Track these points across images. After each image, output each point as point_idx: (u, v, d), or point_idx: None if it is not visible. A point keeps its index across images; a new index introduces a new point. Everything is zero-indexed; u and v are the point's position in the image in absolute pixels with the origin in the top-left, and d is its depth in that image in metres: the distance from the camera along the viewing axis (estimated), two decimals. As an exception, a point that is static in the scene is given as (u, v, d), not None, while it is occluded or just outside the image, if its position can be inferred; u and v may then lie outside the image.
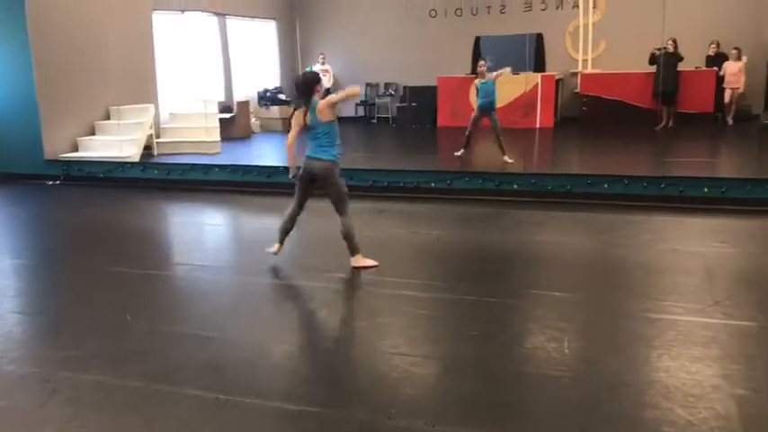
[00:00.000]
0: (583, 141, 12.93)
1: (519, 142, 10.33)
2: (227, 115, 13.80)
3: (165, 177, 9.87)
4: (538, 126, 13.91)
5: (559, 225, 7.21)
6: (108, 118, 11.53)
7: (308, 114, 5.39)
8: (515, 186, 8.20)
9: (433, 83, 14.91)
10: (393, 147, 13.33)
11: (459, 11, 15.86)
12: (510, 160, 9.67)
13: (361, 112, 16.76)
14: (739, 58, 13.06)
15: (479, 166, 9.57)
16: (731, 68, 13.06)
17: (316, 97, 5.37)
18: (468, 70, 15.57)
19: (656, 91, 13.23)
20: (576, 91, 14.39)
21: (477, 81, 9.97)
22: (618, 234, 6.57)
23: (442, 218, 7.57)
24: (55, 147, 10.66)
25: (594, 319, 4.52)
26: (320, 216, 8.01)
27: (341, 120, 5.75)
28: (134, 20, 12.04)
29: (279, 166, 9.63)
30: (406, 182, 8.57)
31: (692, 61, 13.24)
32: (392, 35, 15.54)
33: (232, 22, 15.13)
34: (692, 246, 6.10)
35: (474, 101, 10.52)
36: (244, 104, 14.65)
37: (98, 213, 8.45)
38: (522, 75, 13.81)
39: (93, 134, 11.31)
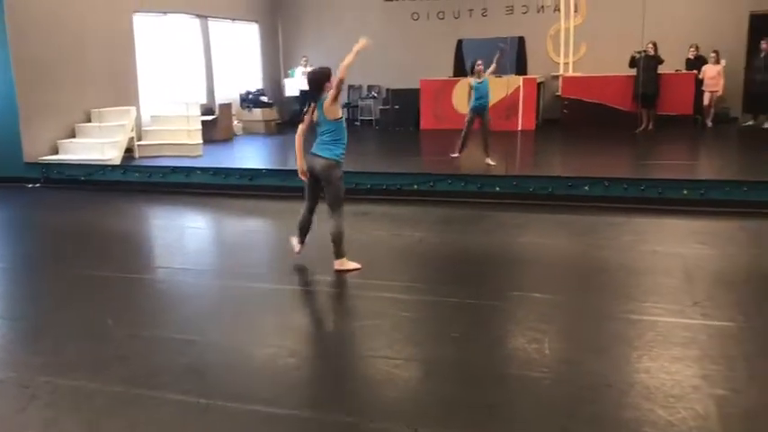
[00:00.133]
0: (564, 144, 13.02)
1: (501, 145, 10.38)
2: (209, 117, 13.73)
3: (146, 180, 9.80)
4: (520, 128, 13.98)
5: (541, 227, 7.25)
6: (89, 120, 11.43)
7: (317, 111, 5.35)
8: (497, 189, 8.24)
9: (415, 85, 14.94)
10: (376, 149, 13.34)
11: (441, 14, 15.92)
12: (492, 162, 9.72)
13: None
14: (718, 62, 13.22)
15: (462, 169, 9.60)
16: (710, 72, 13.21)
17: (325, 94, 5.29)
18: (451, 73, 15.64)
19: (637, 94, 13.35)
20: (558, 94, 14.49)
21: (472, 81, 9.85)
22: (599, 236, 6.62)
23: (424, 220, 7.58)
24: (35, 149, 10.54)
25: (576, 321, 4.55)
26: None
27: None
28: (115, 21, 11.97)
29: (261, 169, 9.61)
30: (389, 184, 8.57)
31: (671, 64, 13.37)
32: (375, 37, 15.42)
33: (214, 25, 15.06)
34: (671, 247, 6.16)
35: (463, 101, 10.48)
36: (226, 107, 14.59)
37: (79, 216, 8.37)
38: (504, 78, 13.87)
39: (74, 137, 11.21)
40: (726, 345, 4.03)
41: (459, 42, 15.85)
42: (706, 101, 13.39)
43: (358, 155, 12.49)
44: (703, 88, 13.35)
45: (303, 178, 5.52)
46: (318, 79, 5.34)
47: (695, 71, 13.41)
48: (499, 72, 11.48)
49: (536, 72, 14.94)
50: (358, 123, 16.50)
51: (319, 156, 5.35)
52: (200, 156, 11.65)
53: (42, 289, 5.60)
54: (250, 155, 12.70)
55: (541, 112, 14.74)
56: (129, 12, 12.35)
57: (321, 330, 4.62)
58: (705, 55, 13.45)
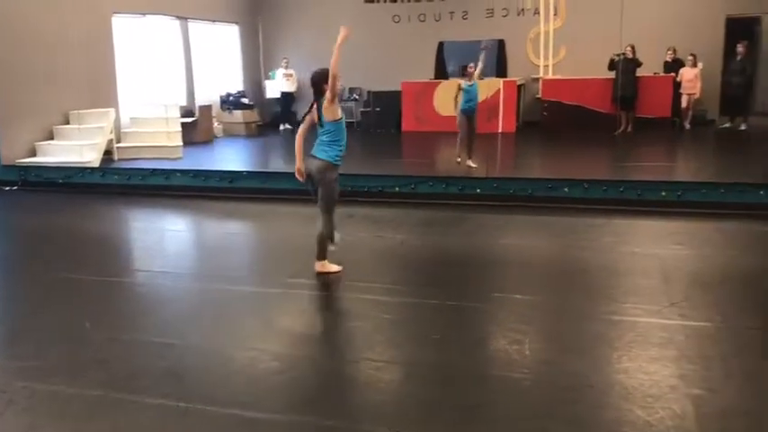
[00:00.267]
0: (544, 146, 13.11)
1: (482, 147, 10.42)
2: (189, 119, 13.65)
3: (125, 183, 9.72)
4: (500, 131, 14.05)
5: (521, 229, 7.29)
6: (67, 122, 11.33)
7: (317, 112, 5.34)
8: (478, 191, 8.27)
9: (396, 88, 14.97)
10: (358, 151, 13.29)
11: (422, 16, 15.95)
12: (473, 165, 9.76)
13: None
14: (695, 65, 13.37)
15: (443, 171, 9.63)
16: (687, 74, 13.37)
17: (327, 94, 5.22)
18: (432, 75, 15.68)
19: (616, 96, 13.47)
20: (538, 96, 14.58)
21: (462, 83, 9.78)
22: (579, 237, 6.67)
23: (406, 222, 7.59)
24: (12, 151, 10.42)
25: (556, 322, 4.58)
26: (283, 221, 8.00)
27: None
28: (94, 23, 11.87)
29: (242, 171, 9.57)
30: (370, 186, 8.57)
31: (649, 67, 13.51)
32: (356, 40, 15.44)
33: (194, 26, 14.98)
34: (650, 248, 6.22)
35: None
36: (206, 109, 14.52)
37: (57, 219, 8.29)
38: (485, 80, 13.92)
39: (52, 139, 11.10)
40: (702, 345, 4.08)
41: (441, 45, 15.92)
42: (684, 103, 13.55)
43: (339, 157, 12.50)
44: (681, 91, 13.50)
45: (299, 178, 5.52)
46: (317, 81, 5.32)
47: (673, 74, 13.56)
48: (485, 72, 11.49)
49: (516, 75, 15.03)
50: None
51: (315, 157, 5.36)
52: (179, 158, 11.58)
53: (19, 292, 5.54)
54: (230, 157, 12.65)
55: (522, 114, 14.83)
56: (108, 13, 12.25)
57: (302, 333, 4.60)
58: (682, 58, 13.61)
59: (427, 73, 15.65)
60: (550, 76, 14.70)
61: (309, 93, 5.50)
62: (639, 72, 13.34)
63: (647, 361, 3.84)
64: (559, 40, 14.71)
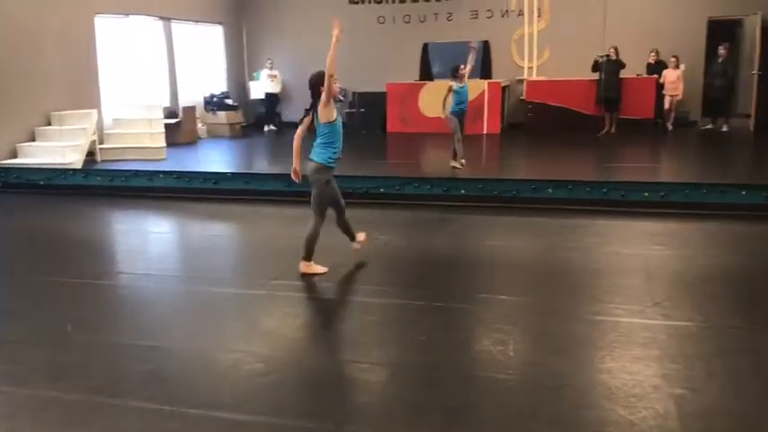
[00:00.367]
0: (529, 147, 13.16)
1: (467, 148, 10.43)
2: (173, 121, 13.58)
3: (108, 184, 9.64)
4: (485, 132, 14.10)
5: (506, 229, 7.31)
6: (49, 123, 11.23)
7: (314, 114, 5.33)
8: (463, 192, 8.28)
9: (382, 89, 14.98)
10: (343, 152, 13.31)
11: (407, 17, 15.98)
12: (459, 166, 9.77)
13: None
14: (678, 66, 13.50)
15: (428, 172, 9.63)
16: (670, 76, 13.49)
17: (322, 95, 5.22)
18: (417, 76, 15.70)
19: (599, 97, 13.57)
20: (522, 98, 14.65)
21: (454, 84, 9.72)
22: (563, 238, 6.70)
23: (391, 223, 7.59)
24: (-8, 153, 10.33)
25: (541, 322, 4.59)
26: (267, 222, 7.97)
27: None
28: (76, 23, 11.78)
29: (226, 173, 9.53)
30: (355, 187, 8.54)
31: (632, 69, 13.62)
32: (340, 40, 15.50)
33: (177, 27, 14.90)
34: (633, 249, 6.26)
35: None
36: (190, 110, 14.45)
37: (38, 222, 8.20)
38: (470, 81, 13.94)
39: (34, 140, 11.00)
40: (685, 344, 4.10)
41: (425, 46, 15.95)
42: (666, 105, 13.67)
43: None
44: (664, 92, 13.62)
45: (295, 179, 5.52)
46: (314, 83, 5.32)
47: (656, 75, 13.67)
48: (473, 72, 11.48)
49: (501, 76, 15.08)
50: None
51: (310, 159, 5.39)
52: (163, 159, 11.52)
53: None
54: (214, 158, 12.59)
55: (506, 115, 14.89)
56: (90, 13, 12.16)
57: (286, 335, 4.58)
58: (665, 60, 13.72)
59: (412, 74, 15.67)
60: (535, 77, 14.77)
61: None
62: (623, 74, 13.44)
63: (631, 361, 3.86)
64: (543, 41, 14.78)
